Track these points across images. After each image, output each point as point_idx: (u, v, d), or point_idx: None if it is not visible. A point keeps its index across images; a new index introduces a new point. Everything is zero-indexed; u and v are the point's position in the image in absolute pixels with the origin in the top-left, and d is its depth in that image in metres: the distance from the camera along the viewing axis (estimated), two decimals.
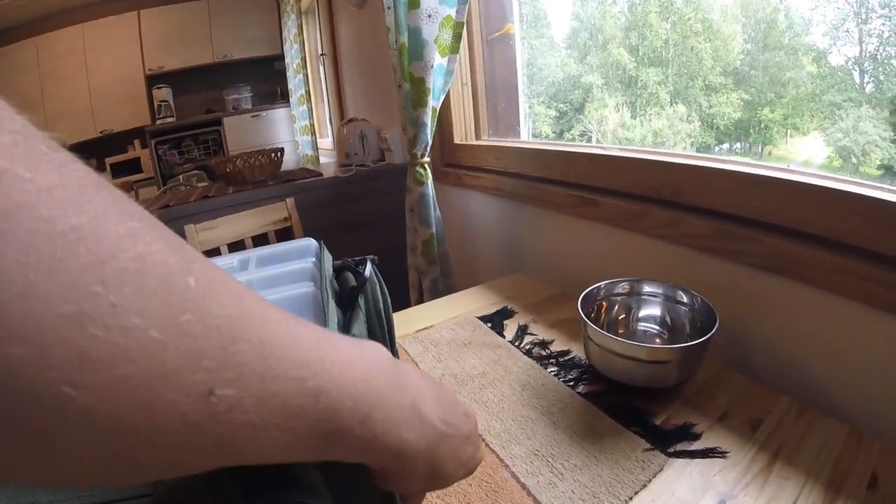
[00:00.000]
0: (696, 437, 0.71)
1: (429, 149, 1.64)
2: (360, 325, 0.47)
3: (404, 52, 1.52)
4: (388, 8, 1.65)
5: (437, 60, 1.47)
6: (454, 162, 1.87)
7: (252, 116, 5.30)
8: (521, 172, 1.54)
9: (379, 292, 0.53)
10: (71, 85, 5.35)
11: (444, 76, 1.52)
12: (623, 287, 0.98)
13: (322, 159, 3.91)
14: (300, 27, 3.87)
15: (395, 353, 0.52)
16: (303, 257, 0.63)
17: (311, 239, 0.67)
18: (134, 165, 5.44)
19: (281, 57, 5.35)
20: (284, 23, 4.61)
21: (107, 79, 5.38)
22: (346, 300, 0.51)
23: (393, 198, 2.32)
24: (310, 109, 3.87)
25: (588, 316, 0.85)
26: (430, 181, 1.65)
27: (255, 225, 2.00)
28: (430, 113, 1.53)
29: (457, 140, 1.87)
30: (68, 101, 5.36)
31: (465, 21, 1.47)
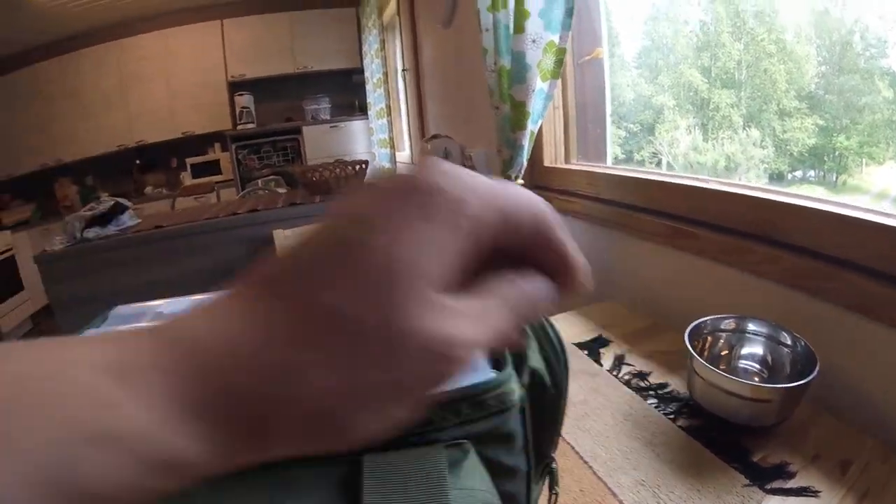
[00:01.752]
0: (791, 475, 0.72)
1: (523, 171, 1.65)
2: (533, 352, 0.47)
3: (504, 75, 1.54)
4: (487, 30, 1.67)
5: (539, 85, 1.49)
6: (543, 184, 1.87)
7: (331, 127, 5.46)
8: (615, 199, 1.53)
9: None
10: (153, 87, 5.66)
11: (543, 100, 1.53)
12: (728, 324, 0.97)
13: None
14: (382, 42, 3.96)
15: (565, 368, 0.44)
16: None
17: None
18: (213, 167, 5.65)
19: (359, 70, 5.49)
20: (365, 37, 4.73)
21: (189, 83, 5.66)
22: None
23: None
24: (389, 123, 3.94)
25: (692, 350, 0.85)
26: None
27: None
28: (528, 136, 1.54)
29: (546, 163, 1.88)
30: (151, 102, 5.68)
31: (566, 47, 1.48)
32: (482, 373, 0.37)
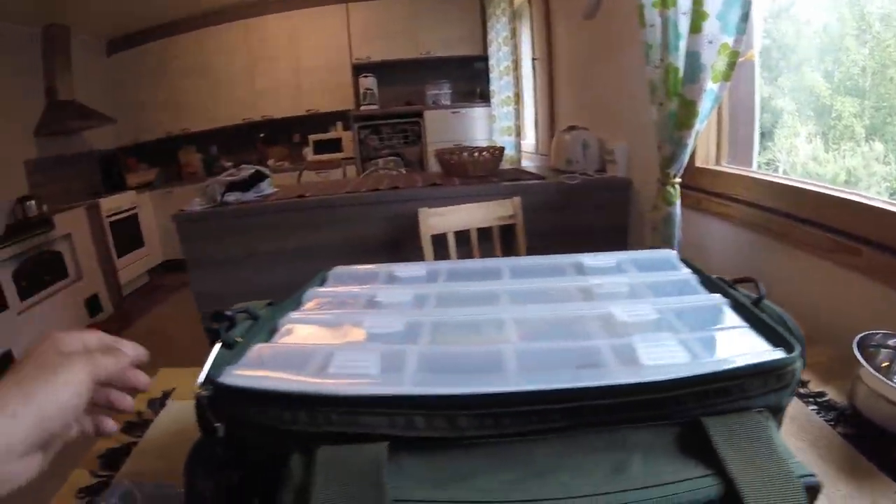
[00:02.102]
0: None
1: (682, 169, 1.66)
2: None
3: (673, 73, 1.55)
4: (651, 26, 1.68)
5: (710, 85, 1.49)
6: (694, 185, 1.86)
7: (451, 112, 5.53)
8: (773, 207, 1.51)
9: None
10: (279, 66, 5.93)
11: (712, 101, 1.53)
12: (893, 340, 0.97)
13: (523, 162, 4.01)
14: (512, 30, 3.99)
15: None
16: (667, 268, 0.69)
17: (670, 250, 0.73)
18: (335, 145, 5.87)
19: (481, 58, 5.54)
20: (492, 25, 4.76)
21: (314, 63, 5.90)
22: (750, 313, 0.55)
23: (614, 211, 2.37)
24: (516, 111, 3.97)
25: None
26: (678, 202, 1.67)
27: (483, 218, 2.12)
28: (693, 135, 1.55)
29: (698, 163, 1.88)
30: (276, 80, 5.96)
31: (739, 50, 1.48)
32: (772, 349, 0.43)
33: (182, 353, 3.77)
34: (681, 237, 1.71)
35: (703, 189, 1.84)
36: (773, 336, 0.46)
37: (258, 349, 0.49)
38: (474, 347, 0.49)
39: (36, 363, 0.44)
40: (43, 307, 4.02)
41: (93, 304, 4.57)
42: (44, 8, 4.56)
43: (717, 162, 1.89)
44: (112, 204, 5.08)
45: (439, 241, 2.08)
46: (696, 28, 1.44)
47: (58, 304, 4.18)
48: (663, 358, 0.42)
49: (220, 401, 0.42)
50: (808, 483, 0.35)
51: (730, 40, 1.46)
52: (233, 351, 0.48)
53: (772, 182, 1.56)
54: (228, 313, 0.53)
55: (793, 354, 0.42)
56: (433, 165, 5.34)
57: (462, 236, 2.12)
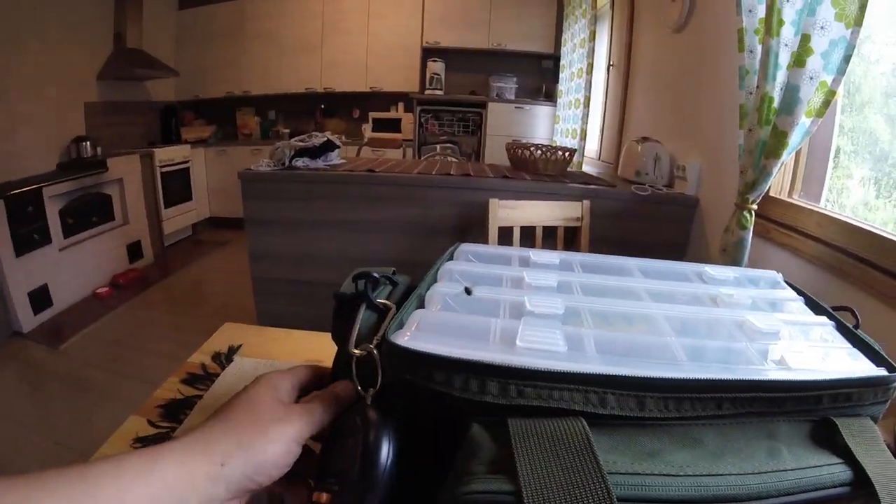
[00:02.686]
0: None
1: (760, 197, 1.69)
2: None
3: (767, 102, 1.58)
4: (751, 52, 1.71)
5: (803, 119, 1.52)
6: (764, 213, 1.89)
7: (515, 107, 5.56)
8: (845, 247, 1.54)
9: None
10: (350, 39, 6.01)
11: (802, 135, 1.56)
12: None
13: (584, 166, 4.04)
14: (591, 34, 4.00)
15: None
16: (775, 287, 0.74)
17: (775, 272, 0.78)
18: (394, 125, 5.95)
19: (551, 56, 5.56)
20: (569, 25, 4.77)
21: (385, 42, 5.97)
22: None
23: (676, 227, 2.40)
24: (584, 115, 4.00)
25: None
26: (751, 227, 1.71)
27: (550, 216, 2.17)
28: (778, 165, 1.58)
29: (772, 193, 1.90)
30: (345, 53, 6.04)
31: (837, 90, 1.50)
32: (875, 367, 0.50)
33: (221, 309, 3.90)
34: (747, 263, 1.74)
35: (773, 219, 1.87)
36: (875, 357, 0.52)
37: (420, 316, 0.49)
38: (641, 336, 0.53)
39: (250, 409, 0.42)
40: (85, 246, 4.17)
41: (134, 250, 4.75)
42: None
43: (790, 194, 1.91)
44: (166, 155, 5.24)
45: (504, 234, 2.14)
46: (800, 62, 1.47)
47: (101, 245, 4.34)
48: (806, 363, 0.48)
49: (394, 366, 0.42)
50: None
51: (829, 79, 1.49)
52: (395, 315, 0.49)
53: (845, 222, 1.58)
54: (375, 275, 0.53)
55: (895, 373, 0.48)
56: (490, 157, 5.39)
57: (526, 231, 2.18)
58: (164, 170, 5.18)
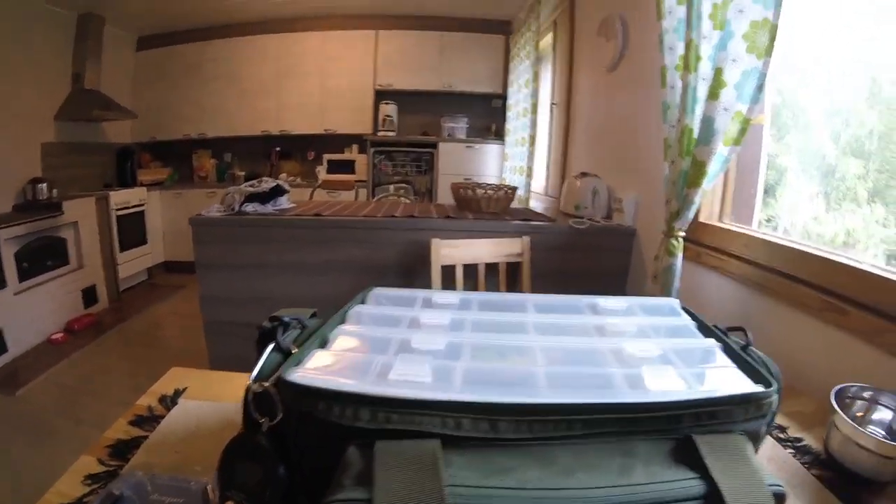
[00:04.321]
0: None
1: (687, 224, 1.75)
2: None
3: (688, 134, 1.65)
4: (672, 87, 1.79)
5: (720, 149, 1.59)
6: (695, 239, 1.96)
7: (466, 146, 5.67)
8: (769, 265, 1.61)
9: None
10: (306, 82, 6.09)
11: (721, 163, 1.63)
12: (868, 393, 1.06)
13: (531, 202, 4.11)
14: (535, 74, 4.11)
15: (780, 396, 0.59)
16: (670, 314, 0.77)
17: (673, 299, 0.81)
18: (348, 166, 6.00)
19: (500, 96, 5.69)
20: (514, 66, 4.91)
21: (339, 84, 6.05)
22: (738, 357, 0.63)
23: (615, 257, 2.46)
24: (530, 153, 4.08)
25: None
26: (680, 254, 1.76)
27: (492, 253, 2.20)
28: (700, 194, 1.64)
29: (702, 219, 1.97)
30: (301, 95, 6.11)
31: (751, 118, 1.57)
32: (753, 385, 0.52)
33: (176, 353, 3.84)
34: (679, 287, 1.79)
35: (704, 244, 1.94)
36: (755, 375, 0.55)
37: (318, 354, 0.55)
38: (509, 367, 0.57)
39: None
40: (40, 291, 4.09)
41: (89, 295, 4.66)
42: None
43: (720, 219, 1.98)
44: (122, 198, 5.20)
45: (447, 273, 2.16)
46: (713, 95, 1.54)
47: (55, 289, 4.26)
48: (665, 385, 0.51)
49: (285, 397, 0.48)
50: (775, 490, 0.44)
51: (744, 108, 1.55)
52: (295, 354, 0.54)
53: (768, 241, 1.65)
54: (285, 318, 0.59)
55: (770, 389, 0.51)
56: (442, 196, 5.46)
57: (469, 269, 2.21)
58: (120, 213, 5.13)
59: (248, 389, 0.50)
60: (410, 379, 0.50)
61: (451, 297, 0.76)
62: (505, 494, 0.40)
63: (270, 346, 0.55)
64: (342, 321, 0.68)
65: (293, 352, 0.56)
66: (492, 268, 2.25)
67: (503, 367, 0.56)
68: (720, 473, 0.44)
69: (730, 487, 0.43)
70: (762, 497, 0.43)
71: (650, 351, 0.59)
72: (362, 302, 0.76)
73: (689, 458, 0.46)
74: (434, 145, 5.68)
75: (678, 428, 0.48)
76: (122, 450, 0.90)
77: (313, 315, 0.68)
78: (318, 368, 0.53)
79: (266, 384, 0.49)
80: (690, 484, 0.43)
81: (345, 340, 0.61)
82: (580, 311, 0.73)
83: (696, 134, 1.64)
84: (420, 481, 0.40)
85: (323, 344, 0.60)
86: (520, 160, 4.33)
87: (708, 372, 0.57)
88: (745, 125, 1.57)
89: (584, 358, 0.59)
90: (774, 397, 0.51)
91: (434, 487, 0.39)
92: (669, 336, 0.68)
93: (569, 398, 0.46)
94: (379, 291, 0.79)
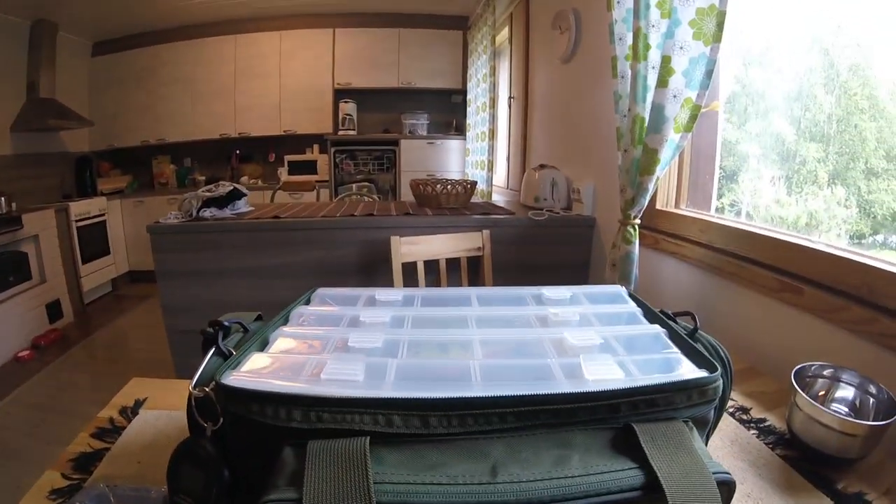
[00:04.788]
0: (868, 503, 0.83)
1: (642, 212, 1.76)
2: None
3: (639, 123, 1.66)
4: (622, 77, 1.80)
5: (671, 136, 1.60)
6: (653, 226, 1.98)
7: (427, 143, 5.66)
8: (725, 248, 1.63)
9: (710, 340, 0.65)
10: (263, 83, 6.00)
11: (673, 150, 1.64)
12: (828, 371, 1.07)
13: (494, 196, 4.11)
14: (492, 68, 4.12)
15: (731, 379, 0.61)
16: (616, 302, 0.77)
17: (619, 286, 0.81)
18: (310, 167, 5.94)
19: (459, 91, 5.68)
20: (472, 61, 4.90)
21: (297, 84, 5.98)
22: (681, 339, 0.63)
23: (577, 247, 2.47)
24: (491, 147, 4.08)
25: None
26: (636, 241, 1.77)
27: (452, 249, 2.19)
28: (654, 181, 1.65)
29: (658, 205, 1.99)
30: (258, 97, 6.01)
31: (702, 104, 1.59)
32: (697, 370, 0.52)
33: (143, 365, 3.76)
34: (638, 274, 1.81)
35: (661, 230, 1.95)
36: (700, 360, 0.54)
37: (255, 357, 0.55)
38: (445, 361, 0.57)
39: None
40: (4, 307, 3.98)
41: (54, 309, 4.53)
42: (34, 2, 4.59)
43: (677, 205, 2.00)
44: (82, 208, 5.06)
45: (409, 269, 2.15)
46: (662, 83, 1.55)
47: (18, 305, 4.13)
48: (603, 374, 0.50)
49: (220, 400, 0.48)
50: (722, 479, 0.44)
51: (693, 95, 1.56)
52: (232, 357, 0.54)
53: (724, 225, 1.67)
54: (225, 323, 0.59)
55: (713, 374, 0.50)
56: (405, 193, 5.44)
57: (431, 265, 2.20)
58: (80, 224, 5.00)
59: (190, 395, 0.51)
60: (342, 378, 0.50)
61: (395, 293, 0.75)
62: (434, 490, 0.40)
63: (211, 351, 0.56)
64: (284, 322, 0.68)
65: (232, 356, 0.55)
66: (453, 263, 2.24)
67: (437, 363, 0.56)
68: (660, 462, 0.44)
69: (670, 476, 0.42)
70: (705, 485, 0.42)
71: (591, 340, 0.59)
72: (307, 302, 0.75)
73: (628, 447, 0.46)
74: (395, 143, 5.66)
75: (617, 417, 0.47)
76: (85, 463, 0.90)
77: (258, 318, 0.69)
78: (254, 371, 0.53)
79: (207, 389, 0.49)
80: (629, 474, 0.43)
81: (283, 342, 0.61)
82: (524, 303, 0.73)
83: (646, 122, 1.65)
84: (348, 479, 0.40)
85: (263, 346, 0.60)
86: (481, 154, 4.33)
87: (650, 359, 0.56)
88: (696, 111, 1.58)
89: (524, 350, 0.58)
90: (719, 382, 0.51)
91: (361, 485, 0.40)
92: (613, 324, 0.68)
93: (502, 391, 0.45)
94: (323, 291, 0.78)
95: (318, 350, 0.59)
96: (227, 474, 0.50)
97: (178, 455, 0.51)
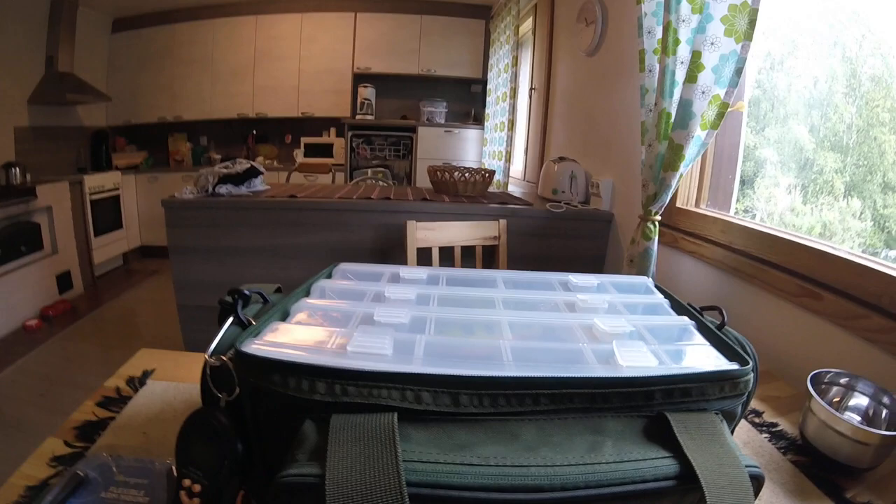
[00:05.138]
0: None
1: (663, 208, 1.74)
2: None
3: (665, 118, 1.64)
4: (650, 71, 1.78)
5: (698, 132, 1.58)
6: (673, 224, 1.96)
7: (445, 131, 5.63)
8: (746, 250, 1.61)
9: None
10: (282, 65, 5.98)
11: (699, 147, 1.62)
12: (844, 379, 1.06)
13: (510, 187, 4.09)
14: (514, 59, 4.09)
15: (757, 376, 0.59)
16: (643, 292, 0.76)
17: (646, 277, 0.80)
18: (326, 150, 5.93)
19: (479, 81, 5.65)
20: (494, 51, 4.87)
21: (316, 67, 5.96)
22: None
23: (593, 241, 2.45)
24: (509, 138, 4.06)
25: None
26: (656, 238, 1.76)
27: (468, 236, 2.18)
28: (677, 177, 1.64)
29: (679, 203, 1.97)
30: (277, 78, 6.00)
31: (730, 102, 1.57)
32: (728, 363, 0.51)
33: (152, 339, 3.78)
34: (655, 271, 1.79)
35: (680, 228, 1.93)
36: (730, 353, 0.53)
37: (276, 327, 0.54)
38: (474, 340, 0.56)
39: None
40: (13, 277, 4.00)
41: (64, 281, 4.55)
42: None
43: (697, 204, 1.98)
44: (96, 182, 5.08)
45: (424, 255, 2.14)
46: (691, 78, 1.53)
47: (29, 275, 4.16)
48: (637, 360, 0.49)
49: (240, 369, 0.46)
50: (753, 472, 0.43)
51: (721, 92, 1.55)
52: (252, 326, 0.53)
53: (746, 227, 1.65)
54: (245, 292, 0.58)
55: (745, 367, 0.49)
56: (420, 180, 5.43)
57: (446, 252, 2.19)
58: (94, 197, 5.02)
59: (205, 364, 0.49)
60: (370, 351, 0.48)
61: (419, 272, 0.74)
62: (464, 471, 0.38)
63: (230, 320, 0.54)
64: (306, 295, 0.66)
65: (252, 325, 0.54)
66: (468, 251, 2.23)
67: (467, 342, 0.55)
68: (695, 453, 0.43)
69: (705, 467, 0.41)
70: (739, 478, 0.42)
71: (622, 327, 0.58)
72: (328, 277, 0.74)
73: (662, 436, 0.45)
74: (413, 129, 5.63)
75: (650, 405, 0.46)
76: (89, 431, 0.89)
77: (277, 290, 0.67)
78: (276, 341, 0.51)
79: (224, 358, 0.48)
80: (664, 463, 0.42)
81: (306, 314, 0.60)
82: (551, 288, 0.72)
83: (673, 118, 1.63)
84: (375, 456, 0.39)
85: (284, 317, 0.58)
86: (499, 145, 4.31)
87: (682, 349, 0.55)
88: (723, 109, 1.56)
89: (554, 333, 0.57)
90: (750, 376, 0.50)
91: (389, 463, 0.38)
92: (642, 313, 0.67)
93: (536, 372, 0.44)
94: (345, 266, 0.77)
95: (341, 324, 0.57)
96: (240, 447, 0.48)
97: (189, 426, 0.49)
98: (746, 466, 0.43)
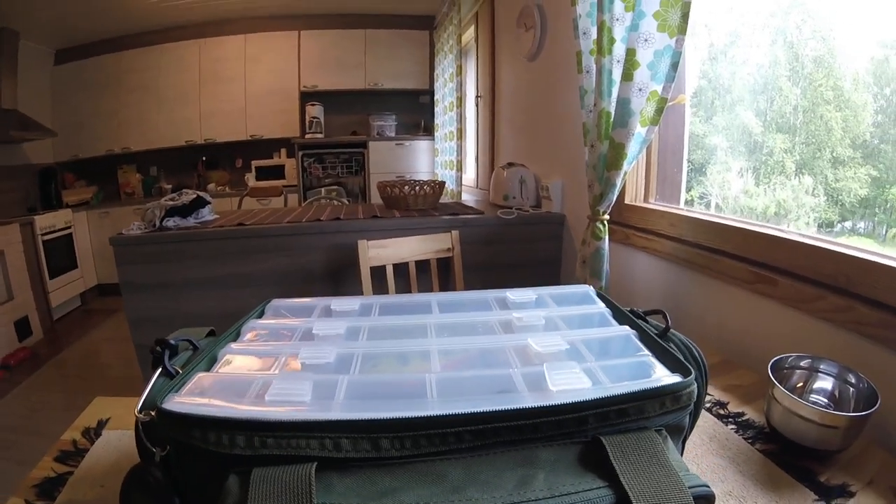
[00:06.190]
0: (852, 495, 0.81)
1: (611, 207, 1.74)
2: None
3: (605, 118, 1.64)
4: (587, 72, 1.78)
5: (638, 129, 1.58)
6: (622, 221, 1.96)
7: (395, 144, 5.61)
8: (696, 241, 1.61)
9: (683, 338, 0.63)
10: (228, 88, 5.89)
11: (640, 144, 1.62)
12: (805, 362, 1.06)
13: (463, 196, 4.08)
14: (458, 67, 4.09)
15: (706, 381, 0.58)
16: (584, 302, 0.74)
17: (587, 286, 0.78)
18: (278, 171, 5.86)
19: (427, 92, 5.65)
20: (439, 61, 4.87)
21: (262, 88, 5.88)
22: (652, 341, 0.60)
23: (547, 244, 2.45)
24: (459, 147, 4.06)
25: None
26: (606, 237, 1.75)
27: (421, 251, 2.16)
28: (621, 176, 1.63)
29: (627, 200, 1.97)
30: (224, 102, 5.90)
31: (668, 97, 1.57)
32: (670, 375, 0.49)
33: (115, 381, 3.67)
34: (609, 270, 1.79)
35: (631, 225, 1.94)
36: (673, 363, 0.51)
37: (200, 377, 0.52)
38: (399, 376, 0.53)
39: None
40: None
41: (22, 327, 4.40)
42: None
43: (646, 199, 1.98)
44: (47, 221, 4.93)
45: (378, 273, 2.11)
46: (627, 76, 1.53)
47: None
48: (569, 384, 0.47)
49: (162, 426, 0.44)
50: (700, 493, 0.40)
51: (659, 88, 1.55)
52: (175, 378, 0.51)
53: (694, 218, 1.65)
54: (172, 342, 0.56)
55: (687, 379, 0.47)
56: (375, 196, 5.38)
57: (400, 268, 2.16)
58: (47, 238, 4.86)
59: (136, 420, 0.47)
60: (288, 399, 0.46)
61: (352, 302, 0.71)
62: None
63: (157, 372, 0.53)
64: (235, 338, 0.64)
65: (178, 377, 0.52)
66: (423, 265, 2.20)
67: (391, 378, 0.52)
68: (631, 478, 0.40)
69: (641, 493, 0.39)
70: (680, 500, 0.39)
71: (557, 345, 0.55)
72: (260, 315, 0.71)
73: (598, 463, 0.42)
74: (364, 145, 5.60)
75: (584, 430, 0.44)
76: (48, 489, 0.87)
77: (210, 333, 0.65)
78: (198, 393, 0.49)
79: (152, 413, 0.46)
80: (598, 494, 0.39)
81: (232, 359, 0.58)
82: (487, 307, 0.69)
83: (612, 117, 1.63)
84: None
85: (211, 364, 0.57)
86: (449, 154, 4.30)
87: (619, 364, 0.53)
88: (662, 105, 1.56)
89: (485, 358, 0.55)
90: (693, 387, 0.47)
91: None
92: (581, 326, 0.65)
93: (458, 408, 0.41)
94: (278, 303, 0.74)
95: (266, 367, 0.55)
96: (177, 502, 0.47)
97: (129, 482, 0.48)
98: (693, 487, 0.40)
